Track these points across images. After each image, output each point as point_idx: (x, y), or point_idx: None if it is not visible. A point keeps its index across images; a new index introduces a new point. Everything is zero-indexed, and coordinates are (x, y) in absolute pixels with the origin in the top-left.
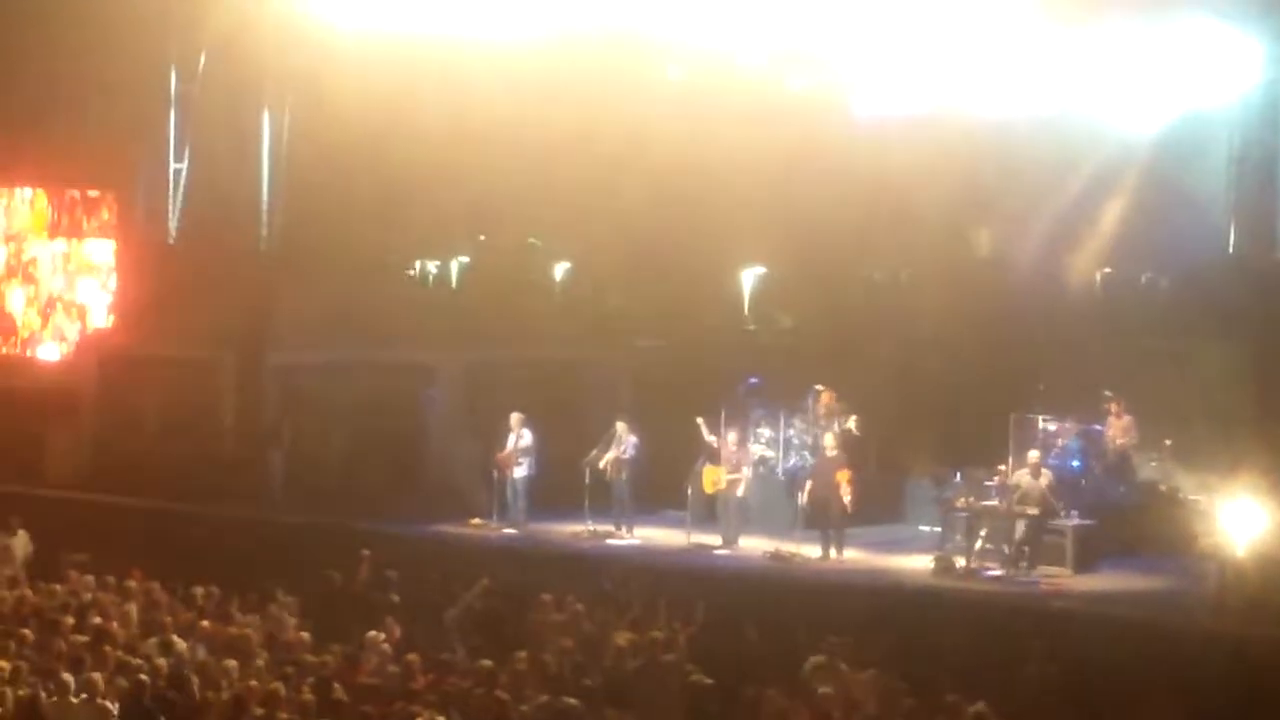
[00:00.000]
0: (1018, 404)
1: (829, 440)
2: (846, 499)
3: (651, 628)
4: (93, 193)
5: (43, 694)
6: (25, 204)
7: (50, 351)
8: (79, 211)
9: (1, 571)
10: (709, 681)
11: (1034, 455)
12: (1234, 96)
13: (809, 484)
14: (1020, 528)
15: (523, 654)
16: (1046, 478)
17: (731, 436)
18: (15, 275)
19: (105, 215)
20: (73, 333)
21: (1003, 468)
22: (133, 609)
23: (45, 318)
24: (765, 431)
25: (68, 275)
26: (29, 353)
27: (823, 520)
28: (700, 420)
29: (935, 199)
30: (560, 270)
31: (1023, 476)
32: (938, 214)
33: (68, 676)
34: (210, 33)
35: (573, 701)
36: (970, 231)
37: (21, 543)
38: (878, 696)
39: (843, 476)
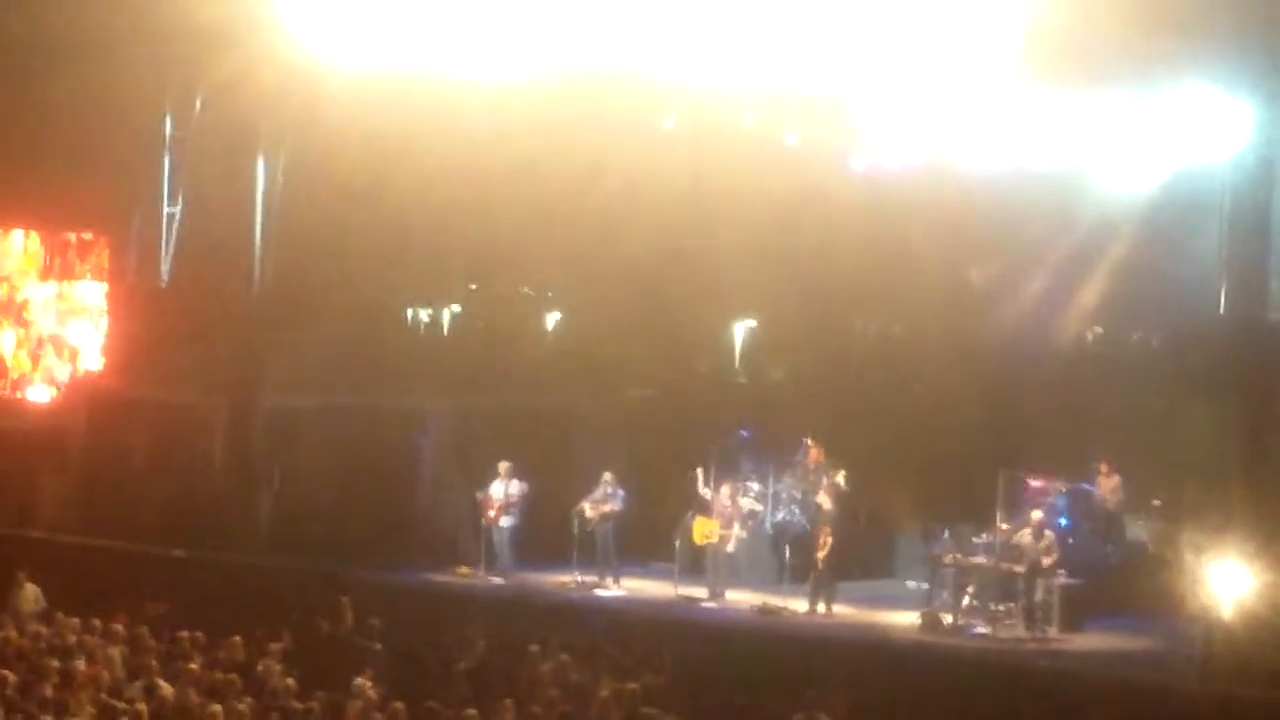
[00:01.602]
0: (1008, 461)
1: (823, 496)
2: (820, 554)
3: (635, 678)
4: (86, 235)
5: None
6: (19, 246)
7: (41, 393)
8: (72, 254)
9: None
10: None
11: (1037, 515)
12: (1226, 157)
13: (818, 537)
14: (1039, 588)
15: (509, 702)
16: (1047, 540)
17: (725, 491)
18: (7, 316)
19: (98, 258)
20: (63, 374)
21: (1005, 526)
22: (117, 652)
23: (36, 359)
24: (754, 485)
25: (59, 317)
26: (19, 394)
27: (819, 574)
28: (698, 472)
29: (929, 254)
30: (552, 319)
31: (1024, 536)
32: (931, 269)
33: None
34: (206, 78)
35: None
36: (963, 287)
37: (30, 596)
38: None
39: (823, 533)
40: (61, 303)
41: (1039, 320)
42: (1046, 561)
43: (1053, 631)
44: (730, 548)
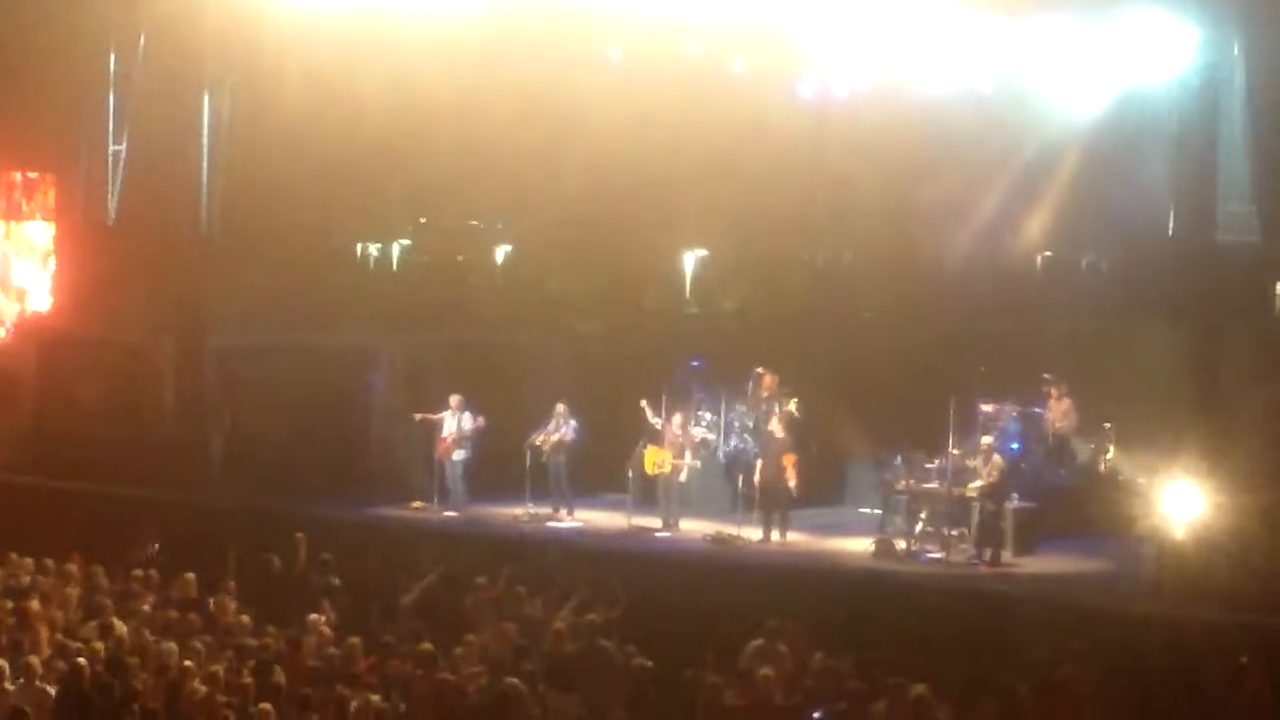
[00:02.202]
0: (958, 387)
1: (775, 424)
2: (792, 483)
3: (590, 610)
4: (32, 174)
5: None
6: None
7: None
8: (18, 194)
9: None
10: (650, 664)
11: (987, 440)
12: (1171, 80)
13: (759, 466)
14: (987, 511)
15: (469, 637)
16: (998, 463)
17: (676, 420)
18: None
19: (45, 197)
20: (12, 315)
21: (957, 451)
22: (71, 592)
23: None
24: (706, 414)
25: (6, 257)
26: None
27: (770, 503)
28: (644, 402)
29: (878, 182)
30: (501, 253)
31: (976, 461)
32: (880, 196)
33: (2, 662)
34: (149, 14)
35: (514, 681)
36: (912, 214)
37: None
38: (820, 678)
39: (789, 460)
40: (8, 243)
41: (988, 245)
42: (987, 484)
43: (1005, 555)
44: (682, 477)
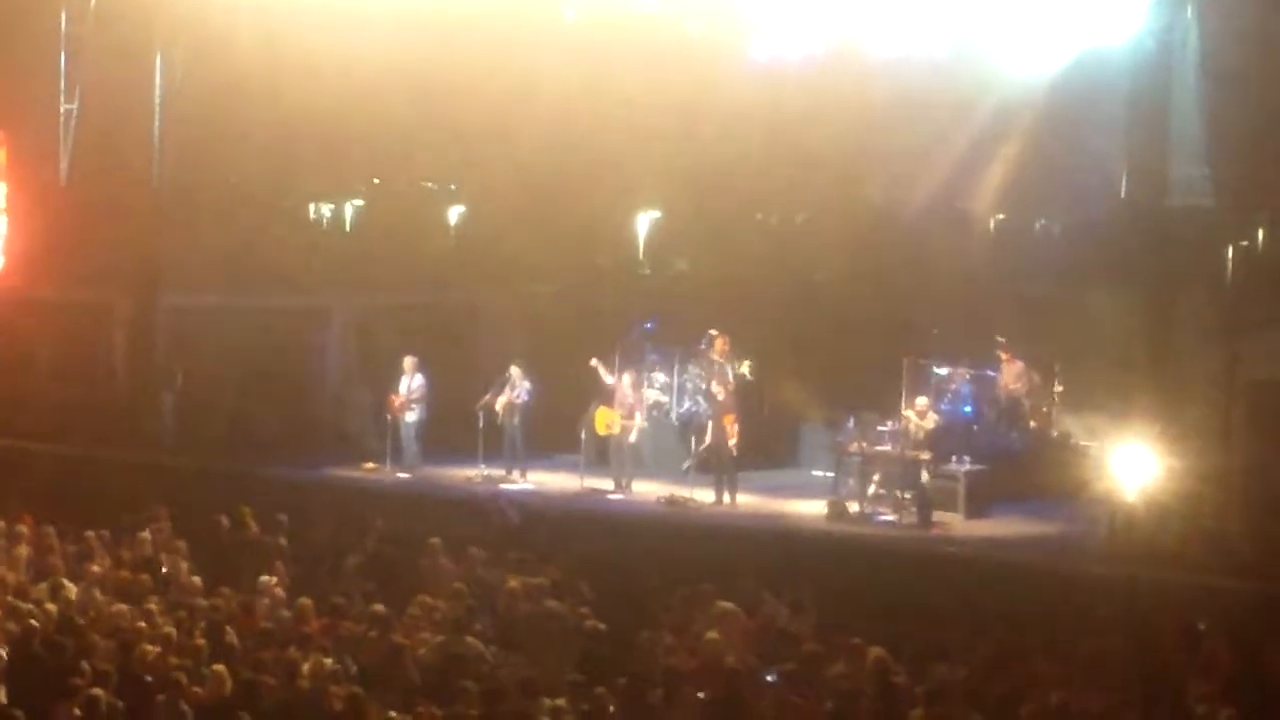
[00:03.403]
0: (911, 349)
1: (715, 386)
2: (732, 443)
3: (542, 572)
4: None
5: None
6: None
7: None
8: None
9: None
10: (602, 626)
11: (921, 401)
12: (1126, 41)
13: (709, 428)
14: (923, 471)
15: (420, 599)
16: (931, 420)
17: (626, 380)
18: None
19: None
20: None
21: (908, 413)
22: (22, 553)
23: None
24: (659, 376)
25: None
26: None
27: (716, 465)
28: (596, 362)
29: (831, 143)
30: (455, 214)
31: (910, 421)
32: (833, 158)
33: None
34: None
35: (471, 640)
36: (865, 177)
37: None
38: (775, 640)
39: (729, 420)
40: None
41: (941, 207)
42: (921, 446)
43: (957, 517)
44: (632, 438)
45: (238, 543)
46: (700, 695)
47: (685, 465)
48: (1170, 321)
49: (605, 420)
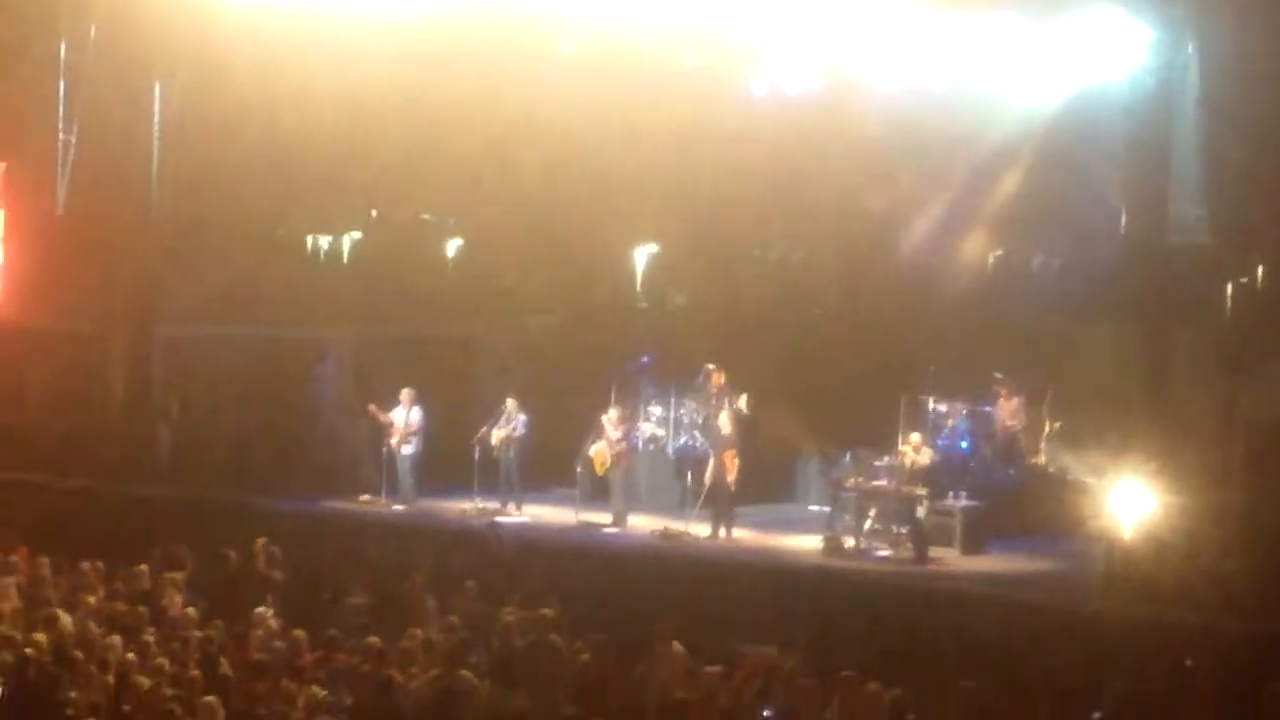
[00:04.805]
0: (908, 385)
1: (723, 419)
2: (731, 477)
3: (538, 605)
4: None
5: None
6: None
7: None
8: None
9: None
10: (597, 660)
11: (916, 437)
12: (1125, 78)
13: (710, 463)
14: (920, 507)
15: (411, 631)
16: (928, 456)
17: (612, 414)
18: None
19: None
20: None
21: (905, 449)
22: (16, 584)
23: None
24: (656, 410)
25: None
26: None
27: (714, 499)
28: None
29: (830, 179)
30: (453, 246)
31: (906, 456)
32: (832, 193)
33: None
34: (101, 3)
35: (466, 674)
36: (864, 212)
37: None
38: (771, 675)
39: (729, 456)
40: None
41: (940, 243)
42: (918, 481)
43: (945, 553)
44: (623, 465)
45: (234, 575)
46: None
47: (696, 507)
48: (1169, 359)
49: (600, 459)
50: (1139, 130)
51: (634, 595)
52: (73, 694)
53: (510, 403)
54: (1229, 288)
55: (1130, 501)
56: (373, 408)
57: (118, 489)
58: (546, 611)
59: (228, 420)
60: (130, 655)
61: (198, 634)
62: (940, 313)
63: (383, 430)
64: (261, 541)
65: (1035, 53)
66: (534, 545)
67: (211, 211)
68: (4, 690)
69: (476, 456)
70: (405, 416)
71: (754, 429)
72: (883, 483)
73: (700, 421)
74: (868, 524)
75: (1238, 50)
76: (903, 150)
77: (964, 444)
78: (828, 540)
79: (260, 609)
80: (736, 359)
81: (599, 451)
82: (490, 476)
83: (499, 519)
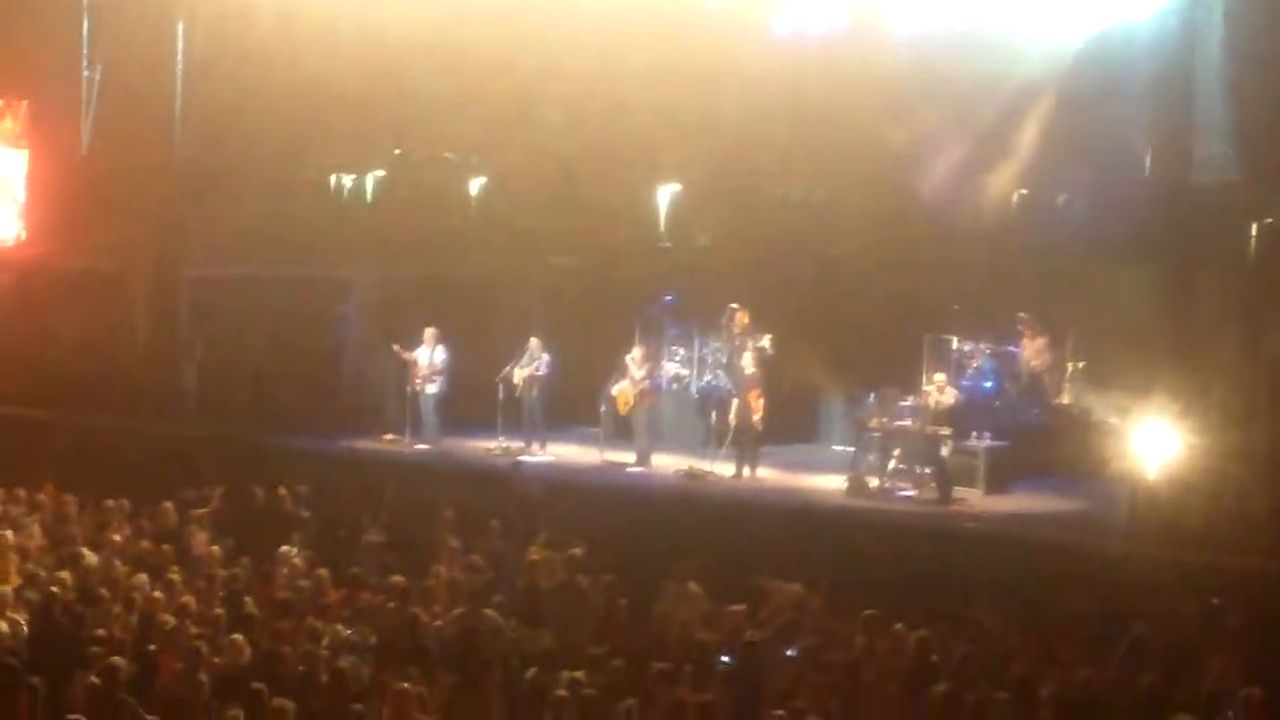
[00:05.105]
0: (932, 325)
1: (747, 359)
2: (757, 417)
3: (561, 545)
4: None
5: None
6: None
7: None
8: None
9: None
10: (623, 601)
11: (940, 377)
12: (1150, 17)
13: (734, 404)
14: (944, 447)
15: (435, 570)
16: (952, 396)
17: (636, 353)
18: None
19: (15, 124)
20: None
21: (929, 389)
22: (43, 522)
23: None
24: (679, 350)
25: None
26: None
27: (742, 439)
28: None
29: (853, 118)
30: (476, 186)
31: (931, 396)
32: (855, 133)
33: None
34: None
35: (490, 613)
36: (886, 151)
37: None
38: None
39: (754, 396)
40: None
41: (964, 182)
42: (942, 421)
43: (969, 493)
44: (646, 403)
45: (259, 514)
46: (721, 665)
47: (721, 446)
48: (1193, 298)
49: (624, 399)
50: (1163, 69)
51: (658, 534)
52: (98, 631)
53: (534, 342)
54: (1254, 227)
55: (1154, 442)
56: (396, 347)
57: (143, 428)
58: (575, 551)
59: (252, 360)
60: (156, 594)
61: (223, 572)
62: (964, 252)
63: (407, 370)
64: (285, 483)
65: None
66: (558, 485)
67: (235, 151)
68: (29, 628)
69: (500, 396)
70: (429, 356)
71: (778, 369)
72: (907, 423)
73: (724, 361)
74: (891, 464)
75: None
76: (926, 90)
77: (988, 384)
78: (852, 480)
79: (285, 548)
80: (760, 299)
81: (622, 391)
82: (514, 416)
83: (523, 459)
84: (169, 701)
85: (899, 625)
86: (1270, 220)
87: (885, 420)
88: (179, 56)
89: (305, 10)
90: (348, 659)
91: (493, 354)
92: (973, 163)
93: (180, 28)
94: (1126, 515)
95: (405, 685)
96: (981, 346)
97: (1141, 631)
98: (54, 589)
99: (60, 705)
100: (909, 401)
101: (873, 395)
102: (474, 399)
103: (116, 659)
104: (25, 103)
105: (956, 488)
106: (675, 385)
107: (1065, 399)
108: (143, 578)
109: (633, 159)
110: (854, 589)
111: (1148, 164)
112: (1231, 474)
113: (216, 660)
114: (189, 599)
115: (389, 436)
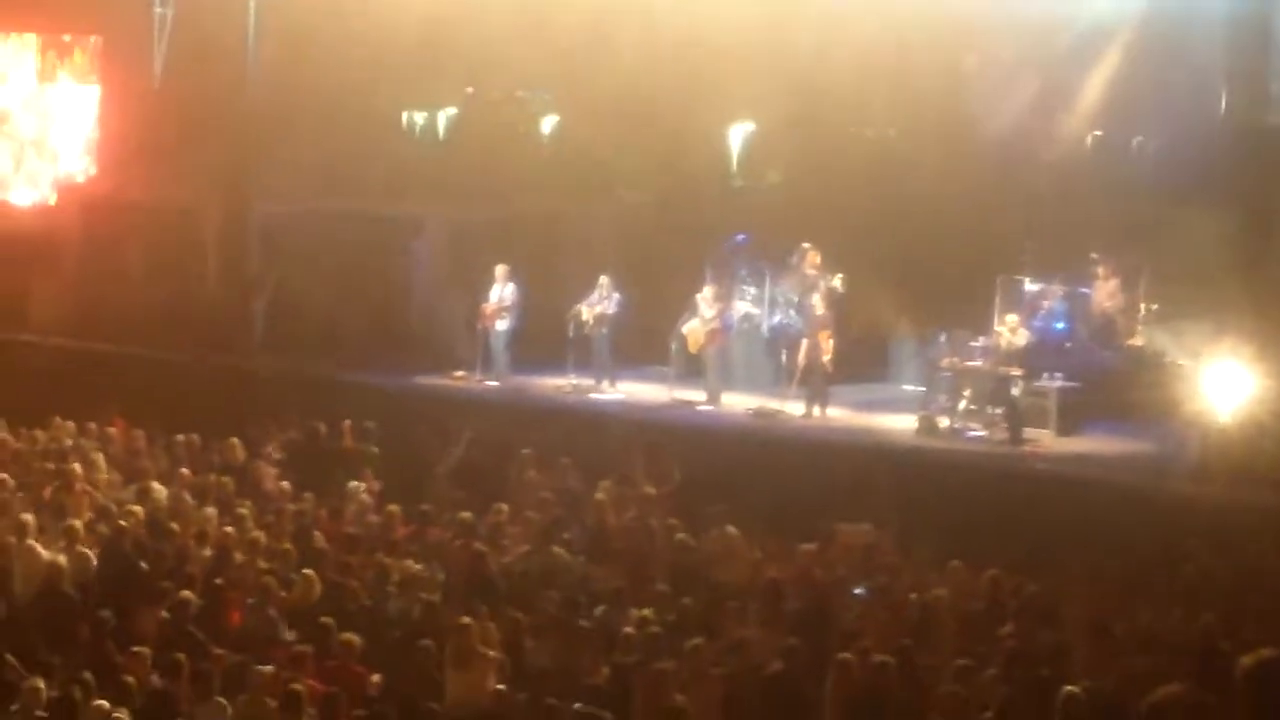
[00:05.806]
0: (1004, 265)
1: (817, 299)
2: (827, 358)
3: (632, 484)
4: (65, 38)
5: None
6: (7, 48)
7: (24, 196)
8: (52, 56)
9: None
10: (693, 543)
11: (1012, 318)
12: None
13: (804, 343)
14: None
15: (497, 506)
16: (1023, 337)
17: (708, 292)
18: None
19: (88, 59)
20: (46, 177)
21: (1000, 329)
22: (113, 455)
23: (18, 162)
24: (750, 289)
25: (41, 119)
26: (3, 196)
27: (812, 378)
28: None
29: (927, 57)
30: (548, 124)
31: (1002, 337)
32: (929, 72)
33: (28, 517)
34: None
35: (558, 550)
36: (961, 91)
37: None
38: (865, 554)
39: (824, 336)
40: (45, 104)
41: (1038, 123)
42: (1013, 361)
43: (1048, 434)
44: (716, 341)
45: (329, 450)
46: (790, 606)
47: (792, 386)
48: (1268, 240)
49: (694, 338)
50: (1240, 8)
51: (728, 473)
52: (169, 566)
53: (604, 280)
54: None
55: (1227, 384)
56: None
57: (213, 362)
58: (650, 490)
59: (322, 295)
60: (226, 529)
61: (292, 508)
62: (1037, 193)
63: (477, 306)
64: (353, 419)
65: None
66: (630, 423)
67: (306, 87)
68: (99, 561)
69: (570, 333)
70: (500, 292)
71: (848, 308)
72: (978, 363)
73: (795, 301)
74: (962, 404)
75: None
76: (1002, 29)
77: (1060, 325)
78: (922, 420)
79: (354, 483)
80: (832, 238)
81: (693, 330)
82: (584, 353)
83: (593, 397)
84: (238, 636)
85: (965, 565)
86: None
87: (956, 360)
88: None
89: None
90: (415, 594)
91: (563, 291)
92: (1047, 102)
93: None
94: (1198, 458)
95: (468, 620)
96: (1054, 287)
97: (1194, 571)
98: (123, 523)
99: (129, 638)
100: (980, 342)
101: (944, 335)
102: (544, 336)
103: (186, 593)
104: (95, 38)
105: (1027, 429)
106: (746, 325)
107: (1138, 341)
108: (211, 512)
109: (706, 96)
110: (923, 529)
111: (1223, 104)
112: None
113: (285, 595)
114: (258, 534)
115: (459, 373)
